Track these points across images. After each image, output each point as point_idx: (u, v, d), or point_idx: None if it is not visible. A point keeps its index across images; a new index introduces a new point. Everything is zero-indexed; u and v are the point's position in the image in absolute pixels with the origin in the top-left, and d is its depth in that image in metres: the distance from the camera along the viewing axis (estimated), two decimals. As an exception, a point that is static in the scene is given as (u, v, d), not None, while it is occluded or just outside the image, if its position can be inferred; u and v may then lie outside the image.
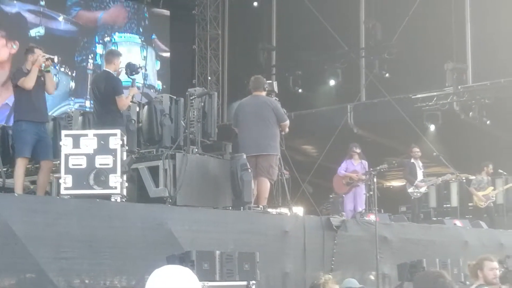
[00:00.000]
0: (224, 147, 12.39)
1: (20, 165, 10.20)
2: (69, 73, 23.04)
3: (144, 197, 10.85)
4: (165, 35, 26.11)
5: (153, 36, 25.72)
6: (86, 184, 9.43)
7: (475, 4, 21.07)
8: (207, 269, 8.53)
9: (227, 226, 10.39)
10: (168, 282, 3.38)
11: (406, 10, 20.81)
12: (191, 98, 11.80)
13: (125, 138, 9.84)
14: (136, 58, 24.01)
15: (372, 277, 12.27)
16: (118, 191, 9.50)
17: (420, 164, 17.31)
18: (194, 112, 11.79)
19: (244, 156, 11.39)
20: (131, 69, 11.43)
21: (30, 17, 22.24)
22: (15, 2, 22.17)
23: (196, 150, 11.50)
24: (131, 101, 11.45)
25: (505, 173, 19.12)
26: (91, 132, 9.82)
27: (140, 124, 11.87)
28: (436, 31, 21.02)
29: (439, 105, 20.78)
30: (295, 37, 24.24)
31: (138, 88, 12.79)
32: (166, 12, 26.12)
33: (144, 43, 25.58)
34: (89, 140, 9.56)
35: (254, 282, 8.92)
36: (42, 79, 10.35)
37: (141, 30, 25.61)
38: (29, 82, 10.12)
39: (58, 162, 10.13)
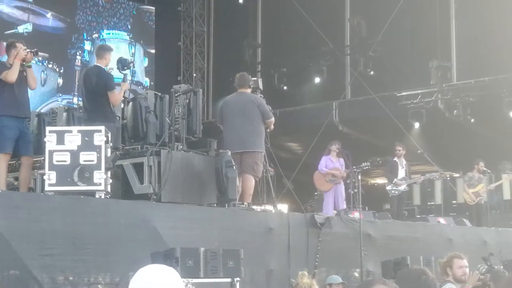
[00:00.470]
0: (209, 144, 12.37)
1: (2, 161, 10.13)
2: (57, 69, 23.00)
3: (128, 194, 10.83)
4: (150, 31, 26.09)
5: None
6: (70, 181, 9.40)
7: (460, 3, 21.13)
8: (191, 266, 8.52)
9: (211, 223, 10.39)
10: (151, 282, 3.37)
11: (391, 8, 20.85)
12: (176, 95, 11.78)
13: (109, 135, 9.82)
14: (124, 55, 23.86)
15: (356, 274, 12.31)
16: (102, 187, 9.47)
17: (404, 162, 17.33)
18: (179, 109, 11.78)
19: (229, 153, 11.38)
20: (123, 64, 11.39)
21: (18, 13, 22.19)
22: None
23: (181, 147, 11.49)
24: (123, 97, 11.41)
25: (489, 171, 19.20)
26: (75, 129, 9.80)
27: (124, 121, 11.83)
28: (421, 29, 21.09)
29: (423, 103, 20.84)
30: (280, 35, 24.25)
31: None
32: (152, 9, 26.10)
33: (132, 40, 25.60)
34: (74, 137, 9.53)
35: (238, 279, 8.93)
36: (25, 74, 10.31)
37: (129, 27, 25.61)
38: (12, 75, 10.07)
39: (42, 158, 10.10)
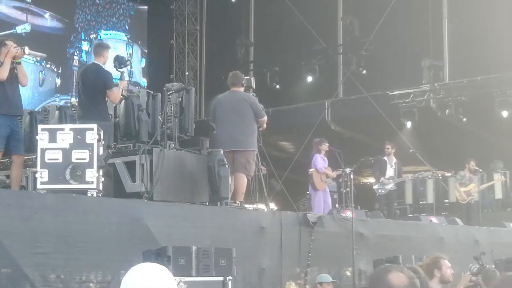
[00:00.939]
0: (202, 142, 12.36)
1: (-7, 159, 10.13)
2: (55, 69, 23.00)
3: (120, 192, 10.81)
4: (143, 30, 26.11)
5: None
6: (62, 179, 9.39)
7: (452, 2, 21.18)
8: (183, 265, 8.52)
9: (204, 222, 10.38)
10: (144, 280, 3.37)
11: (383, 7, 20.87)
12: (169, 93, 11.77)
13: (101, 133, 9.80)
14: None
15: (348, 273, 12.32)
16: (94, 186, 9.46)
17: (393, 161, 17.34)
18: (171, 107, 11.77)
19: (222, 152, 11.38)
20: (120, 61, 11.37)
21: (16, 13, 22.22)
22: None
23: (173, 145, 11.48)
24: (122, 95, 11.38)
25: (480, 170, 19.24)
26: (67, 127, 9.78)
27: (117, 119, 11.81)
28: (413, 28, 21.10)
29: (415, 102, 20.87)
30: (273, 33, 24.25)
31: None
32: (144, 7, 26.10)
33: (129, 40, 25.66)
34: (66, 135, 9.51)
35: (230, 277, 8.92)
36: (15, 71, 10.28)
37: (127, 27, 25.66)
38: (3, 72, 10.04)
39: (35, 156, 10.07)
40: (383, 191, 17.19)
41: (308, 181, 16.28)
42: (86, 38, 24.24)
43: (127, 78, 11.76)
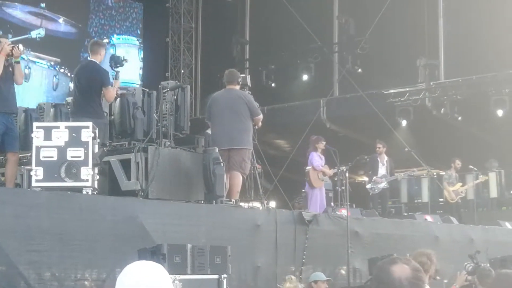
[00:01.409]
0: (197, 140, 12.36)
1: (-12, 156, 10.12)
2: (69, 74, 23.03)
3: (115, 190, 10.81)
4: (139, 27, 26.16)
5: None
6: (57, 177, 9.38)
7: (448, 1, 21.20)
8: (178, 263, 8.52)
9: (199, 220, 10.38)
10: (139, 278, 3.36)
11: (379, 6, 20.87)
12: (164, 91, 11.76)
13: (97, 131, 9.79)
14: (133, 60, 24.53)
15: (343, 271, 12.32)
16: (89, 183, 9.45)
17: (385, 159, 17.37)
18: (166, 105, 11.76)
19: (217, 150, 11.37)
20: (116, 61, 11.36)
21: (31, 18, 22.62)
22: (16, 4, 22.49)
23: (169, 143, 11.47)
24: (116, 94, 11.37)
25: (475, 168, 19.28)
26: (62, 124, 9.76)
27: (112, 117, 11.80)
28: (408, 27, 21.12)
29: (411, 100, 20.89)
30: (268, 31, 24.25)
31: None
32: (140, 5, 26.10)
33: (141, 44, 25.82)
34: (61, 132, 9.50)
35: (225, 275, 8.93)
36: (11, 69, 10.27)
37: (139, 32, 25.84)
38: None
39: (30, 154, 10.06)
40: (376, 190, 17.22)
41: (305, 179, 16.30)
42: (99, 43, 24.37)
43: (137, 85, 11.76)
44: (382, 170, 17.28)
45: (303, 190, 17.37)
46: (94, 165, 9.57)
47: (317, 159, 16.05)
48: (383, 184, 17.22)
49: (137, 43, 25.76)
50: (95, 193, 9.69)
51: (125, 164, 10.93)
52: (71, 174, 9.41)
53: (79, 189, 9.43)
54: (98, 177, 9.77)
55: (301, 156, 17.86)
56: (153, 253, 8.43)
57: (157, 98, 11.87)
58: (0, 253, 8.13)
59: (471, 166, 19.17)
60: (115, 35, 25.12)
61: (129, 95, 11.78)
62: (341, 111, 22.31)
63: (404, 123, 21.29)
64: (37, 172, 9.39)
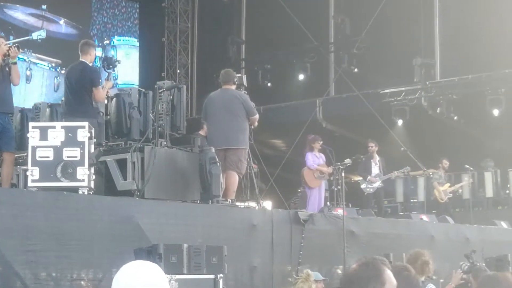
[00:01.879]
0: (193, 140, 12.35)
1: (-16, 156, 10.10)
2: (70, 75, 23.20)
3: (111, 190, 10.79)
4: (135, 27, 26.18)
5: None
6: (54, 177, 9.37)
7: (444, 1, 21.22)
8: (174, 262, 8.51)
9: (195, 220, 10.38)
10: (136, 278, 3.37)
11: (375, 5, 20.89)
12: (160, 91, 11.75)
13: (93, 131, 9.79)
14: (134, 62, 24.83)
15: (339, 271, 12.33)
16: (85, 183, 9.44)
17: (377, 158, 17.39)
18: (162, 105, 11.74)
19: (213, 150, 11.38)
20: (108, 62, 11.36)
21: (32, 20, 22.72)
22: (18, 5, 22.58)
23: (165, 143, 11.46)
24: (106, 95, 11.36)
25: (471, 168, 19.30)
26: (58, 124, 9.75)
27: (108, 117, 11.78)
28: (404, 26, 21.14)
29: (407, 100, 20.92)
30: (264, 31, 24.25)
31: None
32: (136, 5, 26.10)
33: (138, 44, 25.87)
34: (57, 132, 9.49)
35: (221, 275, 8.92)
36: (7, 69, 10.26)
37: (138, 32, 25.89)
38: None
39: (25, 154, 10.05)
40: (371, 190, 17.25)
41: (301, 180, 16.32)
42: (100, 44, 24.41)
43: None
44: (375, 169, 17.32)
45: (299, 190, 17.39)
46: (90, 165, 9.56)
47: (310, 159, 16.05)
48: (378, 184, 17.25)
49: (137, 44, 25.85)
50: (91, 193, 9.68)
51: (121, 164, 10.92)
52: (67, 174, 9.40)
53: (75, 189, 9.42)
54: (94, 177, 9.76)
55: (297, 155, 17.87)
56: (149, 253, 8.43)
57: (153, 98, 11.86)
58: (-4, 253, 8.13)
59: (467, 166, 19.19)
60: (116, 37, 25.14)
61: (125, 95, 11.77)
62: (337, 110, 22.33)
63: (400, 122, 21.33)
64: (33, 172, 9.38)
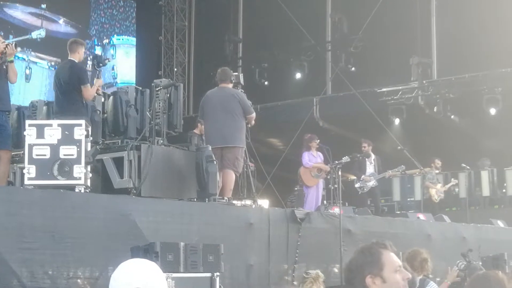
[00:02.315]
0: (190, 138, 12.35)
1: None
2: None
3: (108, 188, 10.79)
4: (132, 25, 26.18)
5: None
6: (50, 175, 9.36)
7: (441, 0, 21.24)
8: (171, 261, 8.51)
9: (192, 218, 10.38)
10: (133, 276, 3.37)
11: (372, 4, 20.90)
12: (157, 89, 11.75)
13: (89, 129, 9.78)
14: (133, 61, 24.99)
15: (336, 270, 12.33)
16: (82, 182, 9.44)
17: (372, 157, 17.39)
18: (159, 103, 11.74)
19: (210, 148, 11.38)
20: (98, 60, 11.34)
21: (31, 19, 22.76)
22: (17, 5, 22.62)
23: (162, 141, 11.46)
24: (97, 93, 11.34)
25: (468, 167, 19.30)
26: (55, 122, 9.74)
27: (105, 115, 11.78)
28: (401, 25, 21.15)
29: (404, 99, 20.93)
30: (261, 30, 24.25)
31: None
32: (133, 4, 26.09)
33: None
34: (54, 130, 9.48)
35: (218, 273, 8.92)
36: (4, 67, 10.25)
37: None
38: None
39: (22, 152, 10.04)
40: (365, 189, 17.26)
41: (298, 179, 16.33)
42: (99, 43, 24.41)
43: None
44: (370, 168, 17.33)
45: (295, 189, 17.39)
46: (87, 163, 9.56)
47: (306, 158, 16.08)
48: (372, 183, 17.26)
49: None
50: (87, 191, 9.68)
51: (118, 162, 10.92)
52: (63, 172, 9.40)
53: (71, 187, 9.42)
54: (90, 175, 9.77)
55: (294, 154, 17.88)
56: (146, 251, 8.43)
57: (150, 96, 11.85)
58: (-7, 251, 8.12)
59: (463, 165, 19.20)
60: (115, 36, 25.14)
61: (122, 93, 11.77)
62: (334, 109, 22.33)
63: (397, 121, 21.35)
64: (30, 170, 9.38)
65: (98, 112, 11.61)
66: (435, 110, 20.90)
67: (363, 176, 17.25)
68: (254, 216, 11.36)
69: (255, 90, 18.76)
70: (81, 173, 9.43)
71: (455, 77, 20.42)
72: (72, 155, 9.44)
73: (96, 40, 24.54)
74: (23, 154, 9.73)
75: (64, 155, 9.43)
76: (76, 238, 8.86)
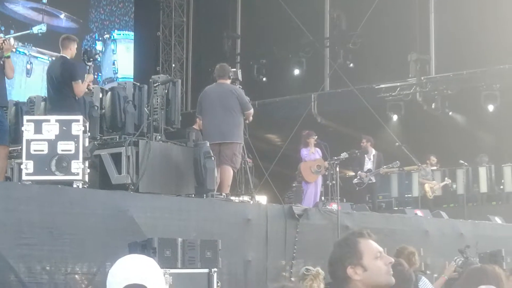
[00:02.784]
0: (188, 134, 12.34)
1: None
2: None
3: (106, 184, 10.79)
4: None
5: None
6: (48, 170, 9.36)
7: (439, -4, 21.26)
8: (169, 257, 8.51)
9: (189, 214, 10.38)
10: (131, 271, 3.37)
11: (370, 1, 20.90)
12: (155, 85, 11.74)
13: (87, 124, 9.78)
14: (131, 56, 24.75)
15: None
16: (80, 177, 9.44)
17: (372, 153, 17.38)
18: (157, 99, 11.73)
19: (208, 144, 11.38)
20: (89, 55, 11.29)
21: (32, 14, 22.79)
22: (18, 0, 22.66)
23: (160, 137, 11.46)
24: (88, 89, 11.27)
25: (465, 163, 19.31)
26: (53, 118, 9.73)
27: (103, 111, 11.77)
28: (400, 22, 21.16)
29: (402, 95, 20.94)
30: (260, 26, 24.24)
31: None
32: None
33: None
34: (51, 126, 9.48)
35: (215, 269, 8.92)
36: (1, 62, 10.23)
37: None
38: None
39: (20, 147, 10.04)
40: (362, 185, 17.26)
41: (297, 175, 16.33)
42: (100, 38, 24.41)
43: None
44: (368, 164, 17.32)
45: (293, 185, 17.39)
46: (84, 159, 9.56)
47: (304, 154, 16.09)
48: (368, 178, 17.26)
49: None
50: (85, 186, 9.68)
51: (116, 158, 10.91)
52: (61, 168, 9.40)
53: (69, 183, 9.42)
54: (88, 170, 9.77)
55: (292, 150, 17.87)
56: (144, 247, 8.43)
57: (148, 92, 11.85)
58: (-10, 247, 8.12)
59: (461, 161, 19.20)
60: (116, 31, 25.13)
61: (120, 89, 11.76)
62: (332, 105, 22.34)
63: (395, 117, 21.36)
64: (28, 166, 9.37)
65: (96, 107, 11.60)
66: (433, 106, 20.92)
67: (359, 172, 17.27)
68: (252, 212, 11.36)
69: (253, 86, 18.78)
70: (79, 169, 9.43)
71: (453, 74, 20.44)
72: (70, 150, 9.44)
73: (97, 35, 24.52)
74: (21, 149, 9.73)
75: (62, 150, 9.43)
76: (74, 234, 8.87)
